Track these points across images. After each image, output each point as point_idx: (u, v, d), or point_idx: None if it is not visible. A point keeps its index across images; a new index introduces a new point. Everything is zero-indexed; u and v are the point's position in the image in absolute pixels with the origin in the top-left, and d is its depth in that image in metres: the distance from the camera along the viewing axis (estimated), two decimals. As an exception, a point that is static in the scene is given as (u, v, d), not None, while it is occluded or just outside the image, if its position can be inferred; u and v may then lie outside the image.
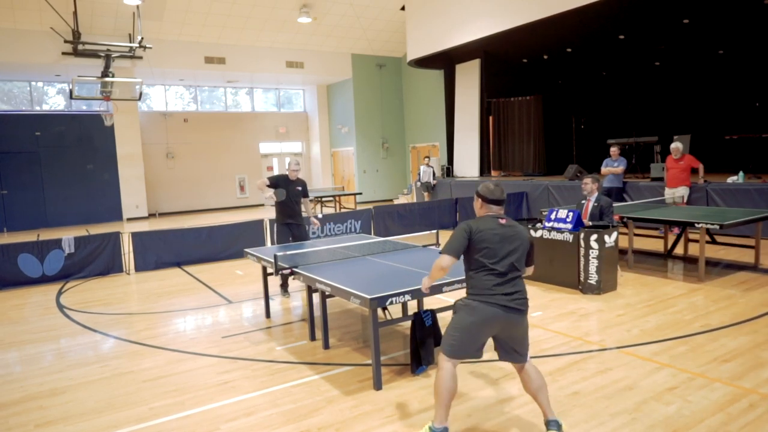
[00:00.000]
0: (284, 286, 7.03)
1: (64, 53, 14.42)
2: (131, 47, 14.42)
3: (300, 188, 6.98)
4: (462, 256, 3.26)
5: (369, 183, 20.59)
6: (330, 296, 4.50)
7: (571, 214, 6.52)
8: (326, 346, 4.90)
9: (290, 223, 6.96)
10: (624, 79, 16.22)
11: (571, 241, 6.41)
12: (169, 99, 19.75)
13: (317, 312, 5.23)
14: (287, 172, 6.97)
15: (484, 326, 3.16)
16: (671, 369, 4.09)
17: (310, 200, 7.32)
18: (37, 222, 16.39)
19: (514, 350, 3.25)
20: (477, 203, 3.38)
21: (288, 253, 5.66)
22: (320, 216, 7.38)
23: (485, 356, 4.48)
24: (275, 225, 7.08)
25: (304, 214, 7.18)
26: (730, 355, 4.32)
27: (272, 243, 9.97)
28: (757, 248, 7.40)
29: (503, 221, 3.26)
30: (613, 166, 10.37)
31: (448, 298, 5.59)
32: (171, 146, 19.33)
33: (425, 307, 4.47)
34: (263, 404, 3.85)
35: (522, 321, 3.21)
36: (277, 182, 6.85)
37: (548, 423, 3.21)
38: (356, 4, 16.89)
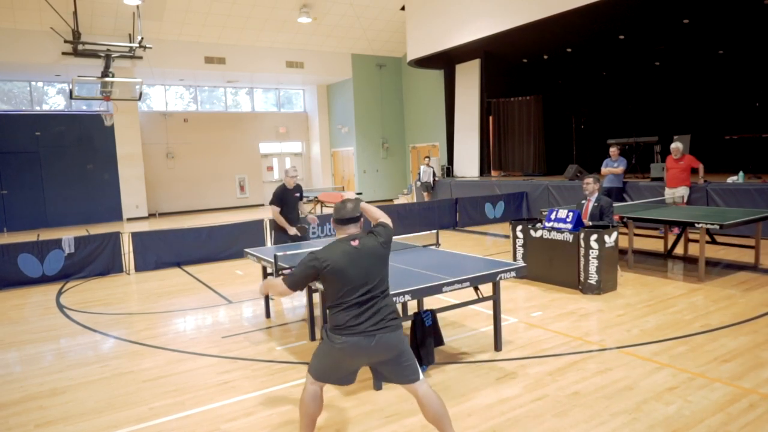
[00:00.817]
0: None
1: (64, 53, 14.42)
2: (131, 47, 14.43)
3: (298, 194, 7.00)
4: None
5: (369, 183, 20.59)
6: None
7: (571, 214, 6.52)
8: (326, 346, 4.89)
9: (297, 235, 6.96)
10: (624, 79, 16.22)
11: (571, 241, 6.41)
12: (169, 99, 19.75)
13: (317, 312, 5.23)
14: (284, 181, 6.93)
15: (348, 360, 2.93)
16: (671, 369, 4.09)
17: (304, 202, 7.36)
18: (37, 222, 16.39)
19: (395, 374, 2.96)
20: (332, 223, 3.11)
21: (288, 253, 5.66)
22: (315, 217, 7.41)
23: (485, 356, 4.49)
24: (274, 232, 7.04)
25: (301, 215, 7.19)
26: (730, 355, 4.32)
27: (272, 243, 9.99)
28: (757, 248, 7.40)
29: (355, 243, 2.94)
30: (613, 167, 10.37)
31: (449, 298, 5.60)
32: (171, 146, 19.33)
33: (425, 308, 4.46)
34: (263, 404, 3.85)
35: (391, 343, 2.88)
36: (281, 199, 6.83)
37: None
38: (356, 4, 16.90)
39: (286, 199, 6.86)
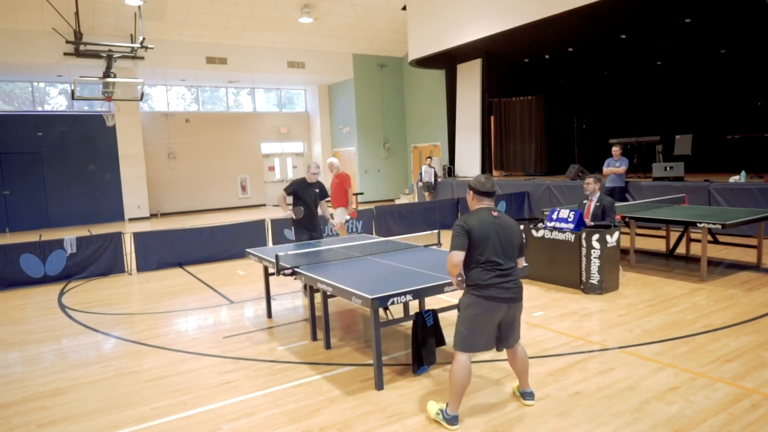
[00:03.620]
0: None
1: (65, 54, 14.43)
2: (133, 48, 14.43)
3: (318, 190, 6.99)
4: None
5: (370, 183, 20.59)
6: (331, 296, 4.50)
7: (572, 213, 6.51)
8: (328, 346, 4.90)
9: (309, 227, 6.96)
10: (626, 78, 16.20)
11: (572, 241, 6.40)
12: (170, 99, 19.77)
13: (319, 312, 5.23)
14: (306, 175, 6.96)
15: (489, 317, 3.38)
16: (673, 369, 4.09)
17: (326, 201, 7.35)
18: (39, 222, 16.42)
19: (508, 337, 3.51)
20: (469, 195, 3.58)
21: (289, 253, 5.67)
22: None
23: (486, 356, 4.48)
24: (293, 228, 7.06)
25: (319, 213, 7.19)
26: (732, 355, 4.31)
27: (274, 243, 10.00)
28: (760, 248, 7.38)
29: (496, 213, 3.44)
30: (615, 166, 10.36)
31: (450, 298, 5.59)
32: (172, 146, 19.35)
33: (427, 307, 4.46)
34: (265, 404, 3.86)
35: (518, 307, 3.47)
36: (294, 190, 6.83)
37: (524, 394, 3.64)
38: (357, 4, 16.89)
39: (302, 190, 6.85)
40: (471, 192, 3.54)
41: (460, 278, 3.50)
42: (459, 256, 3.36)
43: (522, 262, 3.57)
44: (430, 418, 3.47)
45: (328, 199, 8.07)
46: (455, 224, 3.40)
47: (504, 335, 3.50)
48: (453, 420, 3.35)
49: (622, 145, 11.26)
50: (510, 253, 3.40)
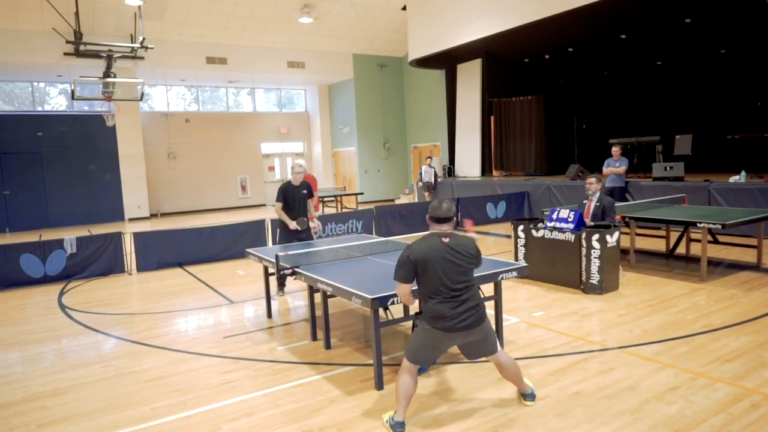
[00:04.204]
0: (281, 285, 7.01)
1: (65, 54, 14.44)
2: (133, 48, 14.44)
3: (305, 191, 6.88)
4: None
5: (370, 183, 20.59)
6: (331, 296, 4.50)
7: (572, 213, 6.51)
8: (328, 346, 4.90)
9: (297, 229, 6.88)
10: (626, 78, 16.21)
11: (572, 241, 6.40)
12: (170, 99, 19.77)
13: (319, 312, 5.23)
14: (290, 178, 6.89)
15: (440, 346, 3.38)
16: (673, 369, 4.09)
17: (318, 198, 7.26)
18: (39, 222, 16.43)
19: (478, 351, 3.48)
20: (427, 219, 3.48)
21: (289, 253, 5.67)
22: (317, 219, 7.32)
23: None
24: (278, 231, 6.97)
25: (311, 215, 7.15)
26: (732, 355, 4.31)
27: (274, 243, 9.99)
28: (760, 248, 7.38)
29: (446, 239, 3.33)
30: (615, 166, 10.36)
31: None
32: (172, 146, 19.35)
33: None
34: (265, 404, 3.86)
35: (479, 330, 3.37)
36: (285, 196, 6.76)
37: (524, 396, 3.62)
38: (357, 4, 16.90)
39: (290, 195, 6.78)
40: (428, 217, 3.45)
41: (413, 301, 3.58)
42: (405, 288, 3.35)
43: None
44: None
45: (328, 197, 8.03)
46: (403, 252, 3.34)
47: (470, 352, 3.49)
48: (397, 426, 3.29)
49: (622, 145, 11.26)
50: (465, 278, 3.32)
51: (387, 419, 3.41)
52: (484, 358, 4.44)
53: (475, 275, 3.48)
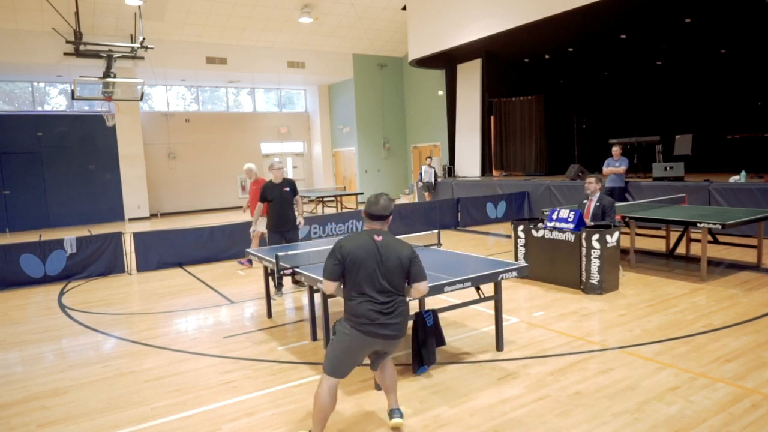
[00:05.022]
0: (279, 285, 7.01)
1: (65, 54, 14.44)
2: (133, 48, 14.44)
3: (288, 189, 6.80)
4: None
5: (370, 183, 20.58)
6: (331, 296, 4.50)
7: (572, 213, 6.51)
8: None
9: (282, 230, 6.83)
10: (626, 78, 16.21)
11: (572, 241, 6.40)
12: (170, 99, 19.77)
13: (319, 312, 5.23)
14: (271, 177, 6.80)
15: (361, 352, 3.17)
16: (673, 369, 4.09)
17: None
18: (39, 222, 16.42)
19: (378, 359, 3.36)
20: (362, 214, 3.27)
21: (290, 253, 5.66)
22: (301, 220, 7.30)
23: (486, 356, 4.49)
24: (268, 232, 6.95)
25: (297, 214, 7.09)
26: (732, 355, 4.31)
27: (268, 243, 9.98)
28: (760, 248, 7.38)
29: (379, 238, 3.12)
30: (615, 166, 10.36)
31: (451, 298, 5.59)
32: (172, 146, 19.35)
33: (427, 307, 4.46)
34: (265, 404, 3.86)
35: (396, 344, 3.22)
36: (265, 194, 6.75)
37: (392, 412, 3.39)
38: (357, 4, 16.89)
39: (270, 193, 6.71)
40: (363, 212, 3.23)
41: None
42: (331, 285, 3.15)
43: (419, 289, 3.20)
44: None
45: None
46: (332, 247, 3.15)
47: (375, 360, 3.36)
48: None
49: (622, 145, 11.26)
50: (394, 283, 3.09)
51: None
52: (489, 357, 4.44)
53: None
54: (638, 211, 7.80)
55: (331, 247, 3.18)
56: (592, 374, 4.06)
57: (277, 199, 6.75)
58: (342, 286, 3.20)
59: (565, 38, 13.60)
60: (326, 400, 3.10)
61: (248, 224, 10.13)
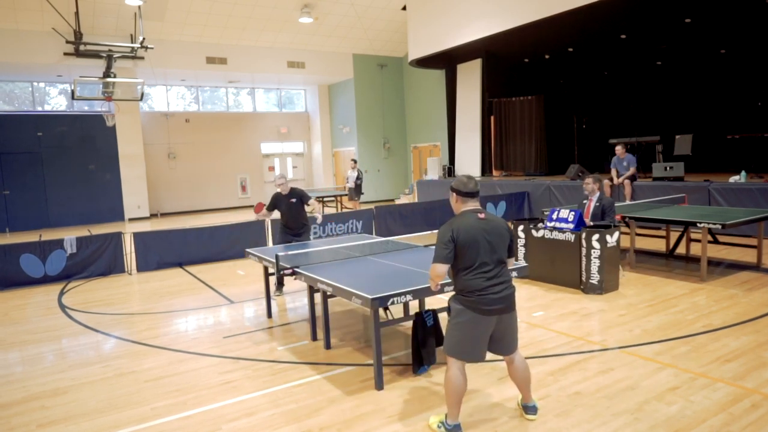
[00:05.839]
0: (280, 285, 7.04)
1: (65, 54, 14.44)
2: (133, 48, 14.44)
3: (294, 200, 6.92)
4: None
5: (370, 183, 20.58)
6: (331, 296, 4.50)
7: (572, 213, 6.51)
8: (328, 346, 4.90)
9: (291, 234, 6.99)
10: (626, 78, 16.20)
11: (572, 241, 6.40)
12: (170, 99, 19.77)
13: (319, 312, 5.23)
14: (278, 189, 6.94)
15: (479, 327, 3.22)
16: (673, 369, 4.09)
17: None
18: (39, 222, 16.42)
19: (501, 342, 3.35)
20: (453, 198, 3.38)
21: (289, 253, 5.67)
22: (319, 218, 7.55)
23: (486, 356, 4.48)
24: (279, 232, 7.15)
25: (309, 215, 7.20)
26: (732, 355, 4.31)
27: (274, 243, 9.99)
28: (760, 248, 7.38)
29: (482, 216, 3.27)
30: (621, 165, 10.31)
31: (450, 298, 5.59)
32: (172, 146, 19.35)
33: (427, 307, 4.46)
34: (265, 404, 3.86)
35: (510, 317, 3.32)
36: (274, 205, 6.94)
37: (526, 408, 3.46)
38: (357, 4, 16.89)
39: (278, 203, 6.92)
40: (454, 194, 3.35)
41: (439, 287, 3.51)
42: (443, 268, 3.21)
43: (512, 263, 3.43)
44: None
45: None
46: (441, 230, 3.23)
47: (494, 343, 3.36)
48: (455, 429, 3.24)
49: (625, 144, 11.26)
50: (500, 254, 3.25)
51: (438, 424, 3.31)
52: (489, 358, 4.44)
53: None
54: (638, 211, 7.80)
55: (437, 232, 3.27)
56: (592, 374, 4.06)
57: (285, 210, 6.96)
58: (450, 267, 3.29)
59: (565, 38, 13.60)
60: (459, 380, 3.23)
61: (248, 224, 10.16)
